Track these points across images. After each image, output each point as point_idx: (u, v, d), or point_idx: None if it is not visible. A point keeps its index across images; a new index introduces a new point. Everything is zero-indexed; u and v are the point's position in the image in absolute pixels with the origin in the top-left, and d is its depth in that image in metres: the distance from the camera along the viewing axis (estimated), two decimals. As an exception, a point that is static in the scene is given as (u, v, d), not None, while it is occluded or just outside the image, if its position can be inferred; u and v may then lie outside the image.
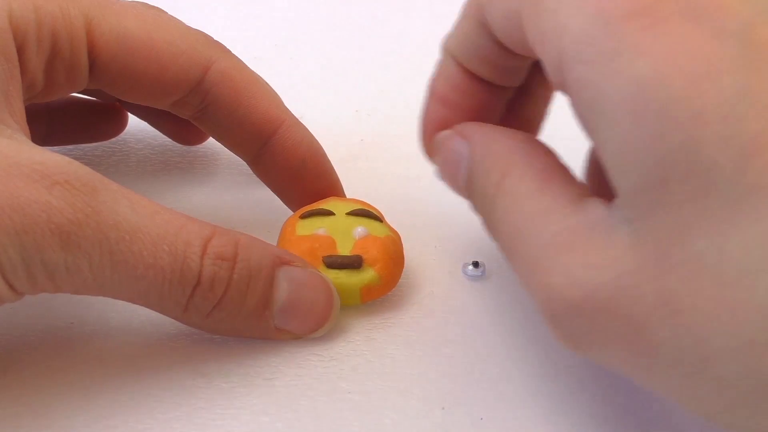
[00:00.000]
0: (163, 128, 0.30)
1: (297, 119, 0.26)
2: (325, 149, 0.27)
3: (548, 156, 0.20)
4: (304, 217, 0.24)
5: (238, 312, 0.21)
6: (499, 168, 0.19)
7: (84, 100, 0.30)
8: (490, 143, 0.20)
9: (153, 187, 0.29)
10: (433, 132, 0.23)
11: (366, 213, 0.24)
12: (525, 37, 0.18)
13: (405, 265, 0.24)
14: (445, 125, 0.22)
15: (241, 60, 0.25)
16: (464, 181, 0.21)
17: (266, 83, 0.26)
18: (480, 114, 0.22)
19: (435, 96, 0.23)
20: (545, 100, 0.24)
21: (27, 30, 0.21)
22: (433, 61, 0.22)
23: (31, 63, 0.21)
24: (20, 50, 0.21)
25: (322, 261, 0.23)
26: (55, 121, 0.29)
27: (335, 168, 0.27)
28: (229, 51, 0.25)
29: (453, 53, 0.22)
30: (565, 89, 0.17)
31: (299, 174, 0.26)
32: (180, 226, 0.20)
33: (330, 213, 0.24)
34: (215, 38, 0.25)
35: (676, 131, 0.14)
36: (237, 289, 0.20)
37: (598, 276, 0.16)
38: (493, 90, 0.22)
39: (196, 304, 0.20)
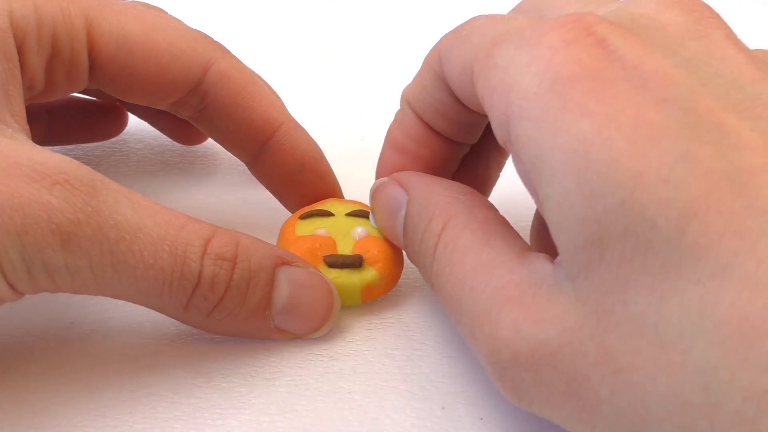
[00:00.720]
0: (163, 128, 0.30)
1: (296, 121, 0.26)
2: (325, 149, 0.27)
3: (489, 209, 0.20)
4: (303, 217, 0.24)
5: (238, 312, 0.21)
6: (440, 218, 0.20)
7: (84, 100, 0.30)
8: (430, 193, 0.21)
9: (153, 187, 0.29)
10: None
11: (366, 213, 0.24)
12: (476, 92, 0.18)
13: (405, 264, 0.24)
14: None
15: (240, 61, 0.25)
16: (400, 229, 0.22)
17: (266, 84, 0.26)
18: (434, 166, 0.23)
19: (391, 143, 0.23)
20: (498, 164, 0.25)
21: (27, 30, 0.21)
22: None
23: (32, 63, 0.21)
24: (20, 50, 0.21)
25: (323, 261, 0.23)
26: (55, 121, 0.29)
27: (335, 168, 0.27)
28: (228, 52, 0.25)
29: (411, 103, 0.23)
30: (509, 146, 0.17)
31: (297, 176, 0.26)
32: (180, 227, 0.20)
33: (329, 214, 0.24)
34: (215, 38, 0.25)
35: (616, 190, 0.14)
36: (237, 289, 0.20)
37: (544, 331, 0.16)
38: (449, 144, 0.23)
39: (196, 304, 0.20)
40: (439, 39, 0.21)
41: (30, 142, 0.19)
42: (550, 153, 0.16)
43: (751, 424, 0.13)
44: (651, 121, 0.15)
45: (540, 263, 0.17)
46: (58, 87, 0.23)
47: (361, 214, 0.24)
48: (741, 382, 0.13)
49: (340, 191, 0.27)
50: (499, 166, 0.25)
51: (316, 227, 0.24)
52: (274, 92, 0.26)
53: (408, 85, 0.23)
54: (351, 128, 0.34)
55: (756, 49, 0.18)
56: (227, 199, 0.29)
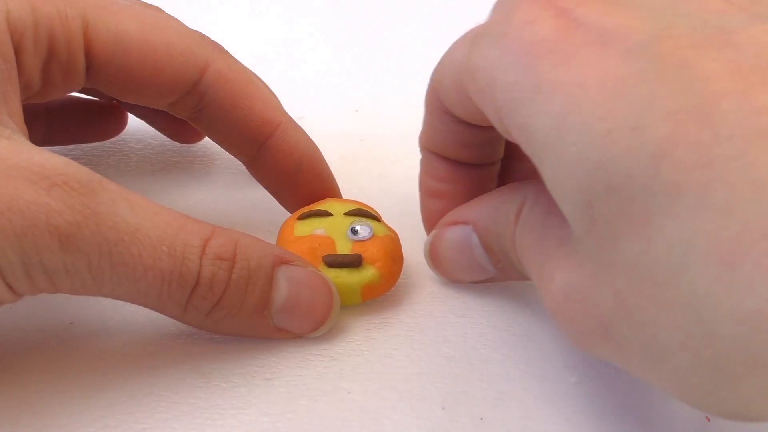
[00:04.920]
0: (161, 127, 0.30)
1: (294, 121, 0.26)
2: (325, 149, 0.27)
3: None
4: (302, 218, 0.24)
5: (238, 311, 0.21)
6: (509, 223, 0.21)
7: (84, 99, 0.30)
8: (488, 210, 0.22)
9: (152, 187, 0.29)
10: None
11: (364, 213, 0.24)
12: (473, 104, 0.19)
13: (405, 264, 0.24)
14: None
15: (238, 61, 0.25)
16: (483, 256, 0.23)
17: (263, 85, 0.26)
18: (473, 196, 0.23)
19: (426, 192, 0.24)
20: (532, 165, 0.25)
21: (24, 31, 0.21)
22: (433, 60, 0.22)
23: (28, 64, 0.21)
24: (17, 51, 0.21)
25: (322, 260, 0.23)
26: (54, 121, 0.29)
27: (335, 167, 0.27)
28: (226, 52, 0.25)
29: (429, 147, 0.23)
30: (511, 138, 0.18)
31: (295, 176, 0.26)
32: (179, 227, 0.20)
33: (328, 214, 0.24)
34: (215, 38, 0.25)
35: (591, 154, 0.15)
36: (236, 289, 0.20)
37: (571, 280, 0.17)
38: (479, 170, 0.24)
39: (195, 304, 0.20)
40: (429, 78, 0.22)
41: (28, 143, 0.19)
42: (536, 135, 0.16)
43: (745, 346, 0.13)
44: (616, 75, 0.15)
45: (567, 227, 0.18)
46: (55, 87, 0.23)
47: (359, 213, 0.24)
48: (728, 307, 0.13)
49: (338, 191, 0.27)
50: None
51: (315, 227, 0.24)
52: (271, 92, 0.26)
53: (420, 133, 0.24)
54: (351, 128, 0.34)
55: None
56: (226, 199, 0.29)
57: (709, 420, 0.20)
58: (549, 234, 0.19)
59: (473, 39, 0.19)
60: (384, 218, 0.25)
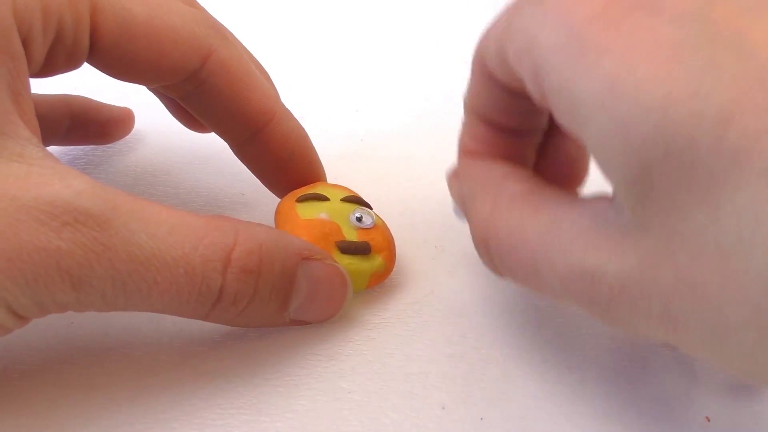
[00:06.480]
0: (176, 113, 0.30)
1: (288, 111, 0.26)
2: (325, 149, 0.27)
3: (522, 176, 0.21)
4: (300, 200, 0.24)
5: (259, 315, 0.21)
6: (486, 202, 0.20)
7: (101, 104, 0.30)
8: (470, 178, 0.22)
9: (157, 179, 0.29)
10: None
11: (360, 200, 0.25)
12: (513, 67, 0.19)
13: (404, 264, 0.24)
14: None
15: (239, 46, 0.25)
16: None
17: (261, 73, 0.26)
18: (509, 161, 0.23)
19: (465, 152, 0.24)
20: (574, 143, 0.24)
21: (32, 22, 0.20)
22: (433, 60, 0.22)
23: (35, 51, 0.21)
24: (25, 42, 0.20)
25: (336, 246, 0.23)
26: (75, 127, 0.29)
27: (335, 167, 0.27)
28: (227, 38, 0.25)
29: (472, 108, 0.23)
30: (545, 102, 0.18)
31: (286, 163, 0.26)
32: (198, 240, 0.19)
33: (325, 198, 0.24)
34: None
35: (649, 116, 0.14)
36: (260, 299, 0.20)
37: (626, 263, 0.16)
38: (518, 137, 0.23)
39: (217, 314, 0.20)
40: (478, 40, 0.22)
41: (38, 161, 0.19)
42: (581, 98, 0.16)
43: None
44: (670, 40, 0.15)
45: (598, 204, 0.17)
46: (57, 68, 0.22)
47: (355, 200, 0.25)
48: None
49: (325, 176, 0.27)
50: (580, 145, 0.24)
51: (317, 211, 0.24)
52: (269, 80, 0.26)
53: (465, 93, 0.23)
54: (351, 128, 0.34)
55: None
56: (230, 191, 0.29)
57: (708, 420, 0.20)
58: (562, 231, 0.18)
59: (516, 2, 0.19)
60: (384, 218, 0.25)
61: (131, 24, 0.22)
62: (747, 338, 0.14)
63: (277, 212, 0.24)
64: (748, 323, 0.14)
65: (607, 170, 0.16)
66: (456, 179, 0.23)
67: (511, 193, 0.20)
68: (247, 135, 0.25)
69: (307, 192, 0.25)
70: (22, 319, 0.18)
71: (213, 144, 0.27)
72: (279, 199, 0.25)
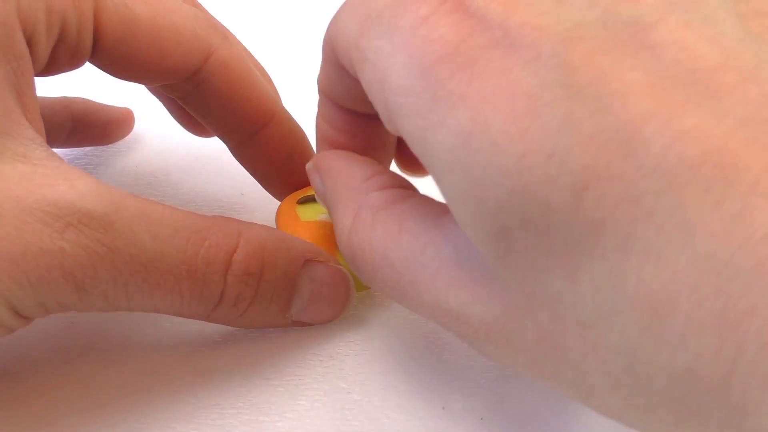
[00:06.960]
0: (177, 116, 0.30)
1: (287, 112, 0.26)
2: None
3: (386, 185, 0.20)
4: (301, 202, 0.24)
5: (260, 316, 0.21)
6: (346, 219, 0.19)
7: (103, 106, 0.30)
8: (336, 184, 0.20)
9: (157, 179, 0.29)
10: None
11: None
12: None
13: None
14: None
15: (240, 46, 0.25)
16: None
17: (261, 74, 0.26)
18: (369, 148, 0.22)
19: (323, 139, 0.23)
20: None
21: (36, 22, 0.20)
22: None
23: (40, 52, 0.21)
24: (30, 42, 0.20)
25: (337, 247, 0.23)
26: (78, 129, 0.29)
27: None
28: (228, 38, 0.25)
29: (325, 92, 0.22)
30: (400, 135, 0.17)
31: (284, 165, 0.26)
32: (201, 241, 0.19)
33: None
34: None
35: (503, 180, 0.14)
36: (260, 301, 0.20)
37: (490, 308, 0.15)
38: (378, 122, 0.21)
39: (218, 315, 0.20)
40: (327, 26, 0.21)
41: (42, 163, 0.19)
42: (435, 150, 0.15)
43: (680, 403, 0.12)
44: (525, 88, 0.13)
45: (461, 236, 0.16)
46: (59, 67, 0.22)
47: None
48: (660, 362, 0.12)
49: None
50: None
51: (318, 213, 0.24)
52: (270, 81, 0.26)
53: (318, 73, 0.22)
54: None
55: None
56: (230, 192, 0.29)
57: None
58: (424, 257, 0.17)
59: (365, 19, 0.17)
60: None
61: (134, 23, 0.22)
62: (612, 403, 0.14)
63: (278, 214, 0.24)
64: (612, 392, 0.14)
65: (464, 226, 0.15)
66: (316, 174, 0.22)
67: (374, 204, 0.19)
68: (246, 135, 0.25)
69: (308, 194, 0.25)
70: (24, 319, 0.18)
71: (213, 145, 0.27)
72: (279, 201, 0.25)
